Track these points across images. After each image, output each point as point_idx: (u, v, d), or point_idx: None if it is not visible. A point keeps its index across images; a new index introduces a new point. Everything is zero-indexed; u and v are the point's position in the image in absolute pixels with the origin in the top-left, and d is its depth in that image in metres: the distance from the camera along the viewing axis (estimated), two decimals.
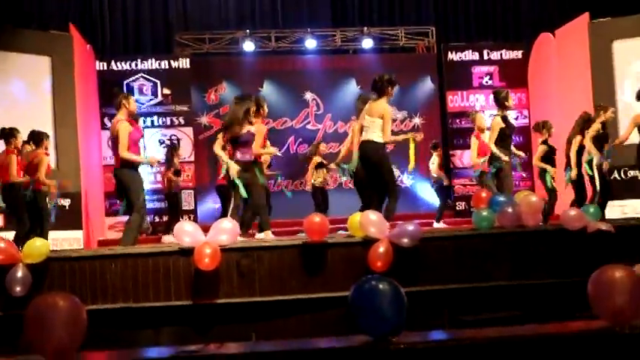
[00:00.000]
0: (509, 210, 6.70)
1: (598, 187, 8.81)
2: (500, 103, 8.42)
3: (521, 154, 9.41)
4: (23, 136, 9.01)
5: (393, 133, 14.84)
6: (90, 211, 11.75)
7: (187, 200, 13.06)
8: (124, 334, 6.07)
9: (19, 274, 5.93)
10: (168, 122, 13.47)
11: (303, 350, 2.87)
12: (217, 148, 7.76)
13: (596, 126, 8.85)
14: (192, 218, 12.47)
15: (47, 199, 9.00)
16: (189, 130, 13.44)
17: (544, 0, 15.65)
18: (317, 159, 11.01)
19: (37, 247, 6.15)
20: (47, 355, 2.72)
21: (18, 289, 5.88)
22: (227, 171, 7.53)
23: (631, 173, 10.91)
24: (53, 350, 2.71)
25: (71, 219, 10.98)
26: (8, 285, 5.89)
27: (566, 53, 12.77)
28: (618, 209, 9.44)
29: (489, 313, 6.03)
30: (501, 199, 7.19)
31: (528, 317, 4.71)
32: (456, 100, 14.09)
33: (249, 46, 14.43)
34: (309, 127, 14.80)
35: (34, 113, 11.24)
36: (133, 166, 7.26)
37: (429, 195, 13.89)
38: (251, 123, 7.60)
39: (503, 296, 6.33)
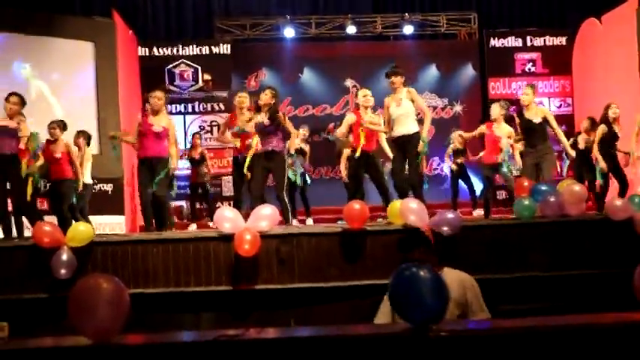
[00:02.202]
0: (552, 199, 6.60)
1: None
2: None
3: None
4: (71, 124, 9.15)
5: (434, 120, 14.83)
6: (132, 196, 11.87)
7: (227, 186, 13.13)
8: (164, 318, 6.16)
9: (64, 257, 6.05)
10: (209, 108, 13.55)
11: (342, 336, 2.87)
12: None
13: None
14: (232, 204, 12.52)
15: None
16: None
17: None
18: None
19: (81, 231, 6.27)
20: (90, 336, 2.76)
21: (63, 271, 6.00)
22: None
23: None
24: (96, 331, 2.76)
25: (114, 204, 11.13)
26: (53, 267, 6.02)
27: (612, 39, 12.48)
28: None
29: (529, 304, 5.96)
30: (544, 187, 7.07)
31: (570, 308, 4.63)
32: (497, 87, 13.92)
33: (289, 32, 14.43)
34: (348, 113, 14.73)
35: (77, 99, 11.43)
36: None
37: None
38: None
39: (544, 286, 6.25)
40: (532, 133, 8.08)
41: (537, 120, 8.04)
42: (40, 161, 8.10)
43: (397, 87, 7.59)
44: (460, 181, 11.58)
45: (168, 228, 7.66)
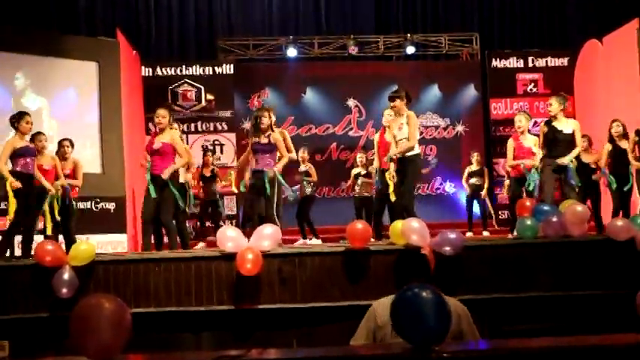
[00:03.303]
0: (554, 219, 6.59)
1: None
2: None
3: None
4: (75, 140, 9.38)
5: (436, 140, 14.85)
6: (134, 215, 11.88)
7: (229, 206, 13.15)
8: (165, 338, 6.14)
9: (66, 276, 6.04)
10: (212, 128, 13.59)
11: (343, 357, 2.86)
12: None
13: None
14: (234, 224, 12.54)
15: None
16: (232, 136, 13.53)
17: (592, 6, 15.37)
18: (355, 170, 10.95)
19: (83, 250, 6.27)
20: (92, 356, 2.75)
21: (64, 290, 5.99)
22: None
23: None
24: (97, 351, 2.75)
25: (116, 223, 11.13)
26: (55, 287, 6.01)
27: (614, 61, 12.52)
28: None
29: (531, 324, 5.95)
30: (546, 208, 7.05)
31: (572, 329, 4.61)
32: (499, 108, 13.94)
33: (292, 52, 14.48)
34: (351, 133, 14.79)
35: (80, 118, 11.46)
36: None
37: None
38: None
39: (546, 307, 6.23)
40: (558, 144, 7.85)
41: (568, 130, 7.84)
42: (61, 182, 8.56)
43: (399, 110, 7.62)
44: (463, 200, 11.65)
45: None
